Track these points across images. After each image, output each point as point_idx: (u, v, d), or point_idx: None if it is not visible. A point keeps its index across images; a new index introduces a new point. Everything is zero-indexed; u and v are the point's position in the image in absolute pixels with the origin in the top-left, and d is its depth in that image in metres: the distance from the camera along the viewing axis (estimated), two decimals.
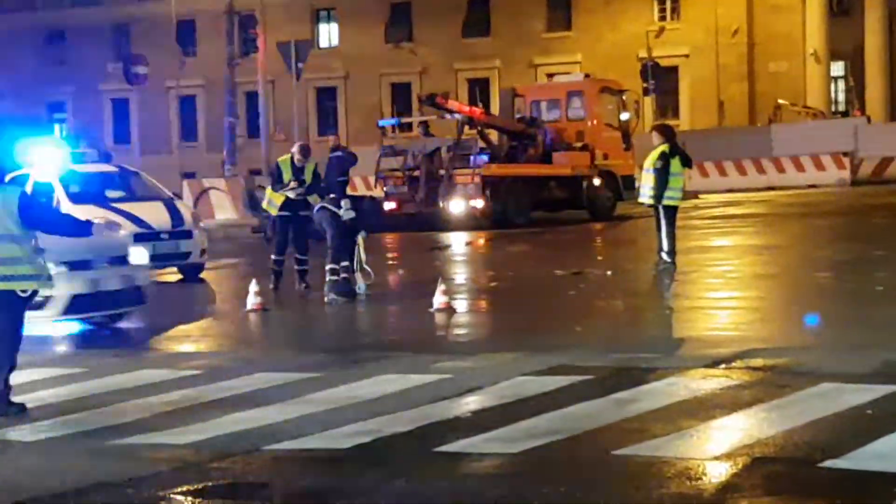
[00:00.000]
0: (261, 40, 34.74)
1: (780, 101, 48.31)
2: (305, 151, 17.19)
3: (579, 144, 30.73)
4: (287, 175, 16.99)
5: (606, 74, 38.13)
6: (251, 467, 7.47)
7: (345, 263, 15.88)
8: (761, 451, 7.23)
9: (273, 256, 17.29)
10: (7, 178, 9.75)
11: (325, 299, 15.67)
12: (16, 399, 9.42)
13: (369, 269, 16.27)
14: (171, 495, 6.90)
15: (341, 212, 15.98)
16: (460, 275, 19.30)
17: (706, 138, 42.39)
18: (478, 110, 31.49)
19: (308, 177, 17.04)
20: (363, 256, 16.27)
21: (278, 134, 39.51)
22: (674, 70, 52.60)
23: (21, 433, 8.69)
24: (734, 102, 52.33)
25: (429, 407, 8.86)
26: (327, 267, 15.83)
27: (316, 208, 16.40)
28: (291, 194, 16.88)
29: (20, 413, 9.26)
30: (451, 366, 10.49)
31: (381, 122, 35.15)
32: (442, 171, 29.04)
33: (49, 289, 9.93)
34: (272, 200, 17.24)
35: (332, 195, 16.76)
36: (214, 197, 34.96)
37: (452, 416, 8.60)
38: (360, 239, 16.22)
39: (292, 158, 17.09)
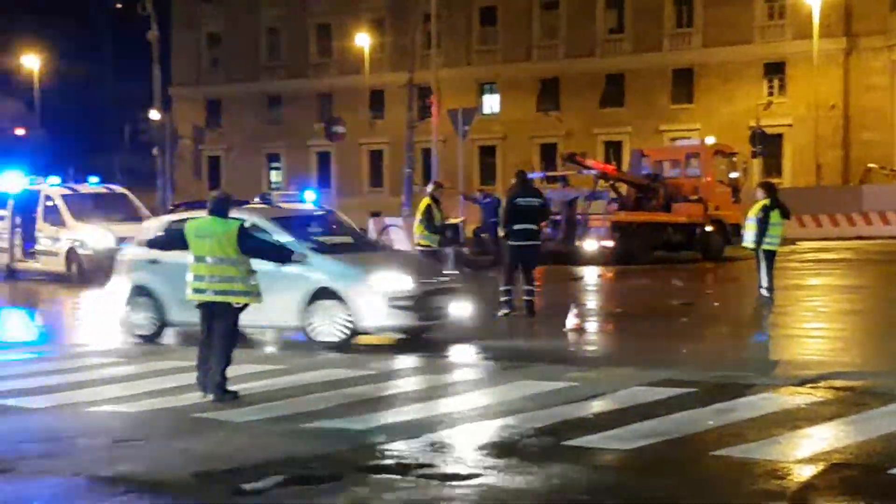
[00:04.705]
0: (434, 107, 35.06)
1: (871, 164, 46.78)
2: (439, 187, 17.25)
3: (695, 197, 30.21)
4: (438, 215, 17.02)
5: (721, 140, 37.45)
6: (413, 451, 7.55)
7: (506, 287, 15.83)
8: (838, 458, 7.05)
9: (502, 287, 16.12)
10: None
11: (497, 314, 15.67)
12: (230, 388, 9.70)
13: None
14: (349, 470, 7.03)
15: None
16: (590, 302, 19.17)
17: (805, 195, 41.11)
18: (611, 167, 31.30)
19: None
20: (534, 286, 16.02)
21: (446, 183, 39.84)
22: (779, 137, 51.40)
23: (232, 416, 8.94)
24: (830, 166, 50.85)
25: (559, 408, 8.85)
26: (501, 288, 15.89)
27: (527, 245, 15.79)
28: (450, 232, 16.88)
29: (233, 399, 9.53)
30: (578, 375, 10.45)
31: (530, 176, 35.07)
32: (579, 216, 28.97)
33: (258, 302, 9.95)
34: (424, 236, 17.32)
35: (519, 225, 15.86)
36: (394, 232, 35.43)
37: (578, 417, 8.57)
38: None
39: (434, 199, 17.11)
